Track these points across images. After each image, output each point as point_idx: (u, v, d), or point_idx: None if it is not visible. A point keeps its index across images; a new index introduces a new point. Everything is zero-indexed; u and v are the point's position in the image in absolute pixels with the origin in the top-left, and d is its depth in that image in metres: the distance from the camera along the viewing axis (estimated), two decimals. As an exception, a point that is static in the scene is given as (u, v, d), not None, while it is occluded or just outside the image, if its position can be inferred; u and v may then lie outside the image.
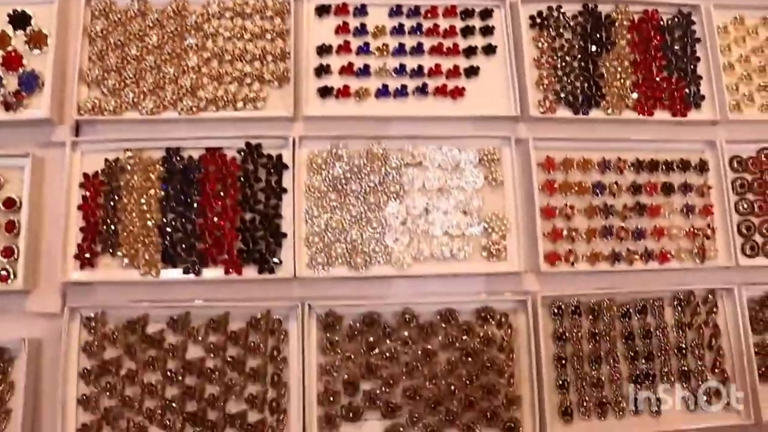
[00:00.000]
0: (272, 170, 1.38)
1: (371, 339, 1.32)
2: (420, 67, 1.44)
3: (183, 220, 1.36)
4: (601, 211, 1.41)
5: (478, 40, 1.48)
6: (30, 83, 1.38)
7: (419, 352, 1.33)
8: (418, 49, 1.46)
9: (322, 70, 1.43)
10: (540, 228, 1.37)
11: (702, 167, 1.47)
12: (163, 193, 1.37)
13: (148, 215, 1.36)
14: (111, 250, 1.35)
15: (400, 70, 1.44)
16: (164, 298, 1.34)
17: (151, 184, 1.37)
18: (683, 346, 1.39)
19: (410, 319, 1.33)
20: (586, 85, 1.46)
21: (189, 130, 1.40)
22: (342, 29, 1.46)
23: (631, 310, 1.39)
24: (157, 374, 1.32)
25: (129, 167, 1.38)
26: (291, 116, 1.39)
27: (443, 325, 1.34)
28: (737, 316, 1.40)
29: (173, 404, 1.30)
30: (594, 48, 1.49)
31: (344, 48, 1.45)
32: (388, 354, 1.32)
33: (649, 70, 1.49)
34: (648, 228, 1.42)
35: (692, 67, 1.51)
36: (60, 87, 1.39)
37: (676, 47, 1.51)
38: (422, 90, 1.43)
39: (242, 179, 1.37)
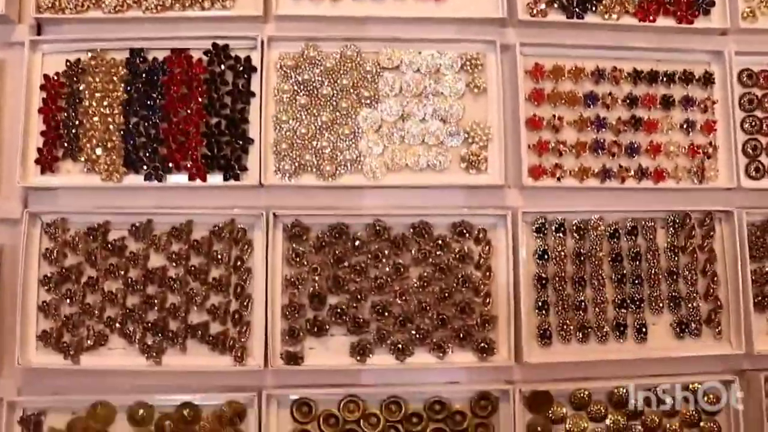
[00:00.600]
0: (240, 73, 1.29)
1: (340, 251, 1.25)
2: (400, -35, 1.33)
3: (146, 124, 1.29)
4: (593, 124, 1.30)
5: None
6: (-15, -24, 1.30)
7: (390, 267, 1.25)
8: (398, -54, 1.34)
9: (295, -33, 1.33)
10: (525, 140, 1.27)
11: (707, 80, 1.34)
12: (126, 96, 1.29)
13: (110, 119, 1.29)
14: (72, 155, 1.29)
15: (379, -32, 1.33)
16: (126, 205, 1.28)
17: (114, 86, 1.30)
18: (675, 270, 1.30)
19: (381, 232, 1.26)
20: (583, -13, 1.33)
21: (154, 29, 1.31)
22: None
23: (620, 231, 1.30)
24: (118, 282, 1.27)
25: (91, 69, 1.30)
26: (261, 16, 1.29)
27: (416, 239, 1.26)
28: (735, 241, 1.30)
29: (134, 313, 1.25)
30: (594, -53, 1.36)
31: (320, -57, 1.34)
32: (357, 267, 1.25)
33: (654, -28, 1.36)
34: (643, 144, 1.31)
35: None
36: (18, -18, 1.31)
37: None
38: (402, -11, 1.32)
39: (208, 82, 1.29)
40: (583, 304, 1.27)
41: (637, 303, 1.28)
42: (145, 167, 1.27)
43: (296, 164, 1.27)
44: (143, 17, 1.30)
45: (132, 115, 1.29)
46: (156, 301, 1.26)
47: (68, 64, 1.30)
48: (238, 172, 1.27)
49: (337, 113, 1.28)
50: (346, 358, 1.25)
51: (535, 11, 1.31)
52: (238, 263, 1.27)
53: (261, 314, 1.24)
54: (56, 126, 1.29)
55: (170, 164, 1.27)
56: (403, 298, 1.25)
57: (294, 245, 1.26)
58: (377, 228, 1.25)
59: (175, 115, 1.29)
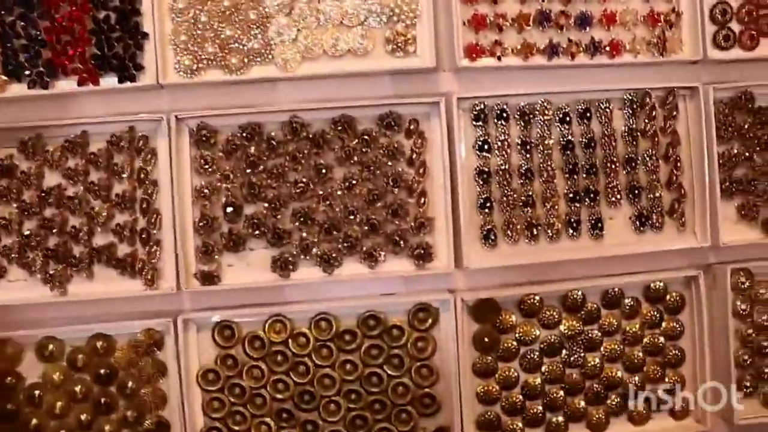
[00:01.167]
0: (126, -45, 1.11)
1: (253, 155, 1.11)
2: None
3: (24, 23, 1.11)
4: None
5: None
6: None
7: (311, 169, 1.11)
8: None
9: None
10: (458, 14, 1.10)
11: (668, -69, 1.17)
12: (-3, -8, 1.12)
13: (-18, 20, 1.12)
14: (-56, 67, 1.12)
15: None
16: (11, 119, 1.12)
17: (-16, -19, 1.12)
18: (634, 157, 1.15)
19: (299, 129, 1.10)
20: None
21: None
22: None
23: (571, 115, 1.14)
24: (11, 207, 1.12)
25: (-44, -37, 1.12)
26: None
27: (339, 136, 1.11)
28: (701, 121, 1.15)
29: (32, 239, 1.12)
30: None
31: None
32: (274, 172, 1.11)
33: None
34: (596, 13, 1.14)
35: None
36: None
37: None
38: None
39: (91, -31, 1.11)
40: (531, 199, 1.13)
41: (592, 195, 1.15)
42: (27, 73, 1.11)
43: (198, 59, 1.10)
44: None
45: (6, 15, 1.12)
46: (55, 224, 1.12)
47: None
48: (134, 72, 1.11)
49: (241, -5, 1.11)
50: (268, 274, 1.12)
51: None
52: (142, 176, 1.13)
53: (170, 231, 1.11)
54: None
55: (56, 68, 1.11)
56: (328, 203, 1.11)
57: (202, 151, 1.11)
58: (294, 125, 1.10)
59: (56, 11, 1.11)
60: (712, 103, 1.15)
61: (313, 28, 1.11)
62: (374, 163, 1.11)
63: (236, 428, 1.14)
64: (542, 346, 1.16)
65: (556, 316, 1.16)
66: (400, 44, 1.11)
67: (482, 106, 1.12)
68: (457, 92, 1.12)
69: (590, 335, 1.17)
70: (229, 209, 1.11)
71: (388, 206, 1.12)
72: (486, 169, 1.13)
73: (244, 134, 1.11)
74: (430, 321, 1.13)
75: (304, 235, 1.12)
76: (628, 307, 1.18)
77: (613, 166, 1.15)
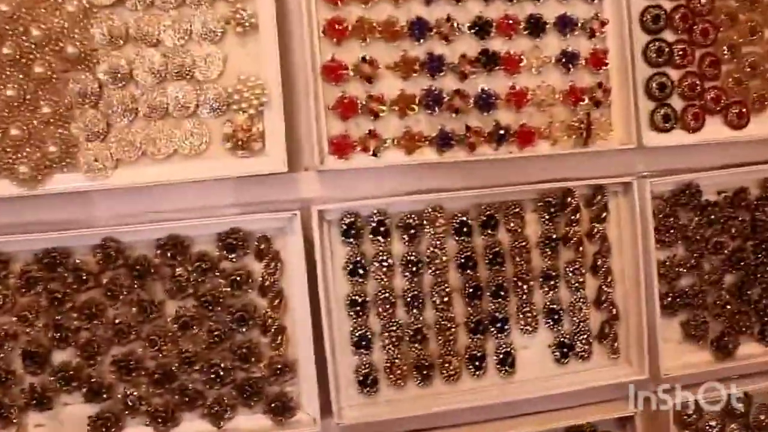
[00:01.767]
0: None
1: (59, 288, 0.85)
2: None
3: None
4: (424, 66, 0.87)
5: None
6: None
7: (133, 304, 0.86)
8: None
9: None
10: (320, 97, 0.85)
11: (593, -11, 0.91)
12: None
13: None
14: None
15: None
16: None
17: None
18: (553, 272, 0.92)
19: (115, 255, 0.85)
20: None
21: None
22: None
23: (470, 223, 0.90)
24: None
25: None
26: None
27: (168, 261, 0.86)
28: (636, 222, 0.91)
29: None
30: None
31: None
32: (86, 309, 0.85)
33: None
34: (501, 90, 0.89)
35: None
36: None
37: None
38: None
39: None
40: (420, 332, 0.89)
41: (501, 323, 0.91)
42: None
43: (-18, 165, 0.84)
44: None
45: None
46: None
47: None
48: None
49: (30, 83, 0.84)
50: (87, 437, 0.88)
51: None
52: None
53: (-43, 386, 0.86)
54: None
55: None
56: (157, 347, 0.86)
57: (-8, 284, 0.86)
58: (108, 250, 0.85)
59: None
60: (650, 199, 0.91)
61: (127, 122, 0.85)
62: (215, 295, 0.86)
63: None
64: None
65: (458, 473, 0.93)
66: (242, 141, 0.85)
67: (353, 218, 0.87)
68: (320, 200, 0.87)
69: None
70: (31, 358, 0.86)
71: (236, 348, 0.87)
72: (361, 298, 0.88)
73: (45, 262, 0.85)
74: (293, 490, 0.90)
75: (130, 387, 0.87)
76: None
77: (526, 285, 0.91)
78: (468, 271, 0.90)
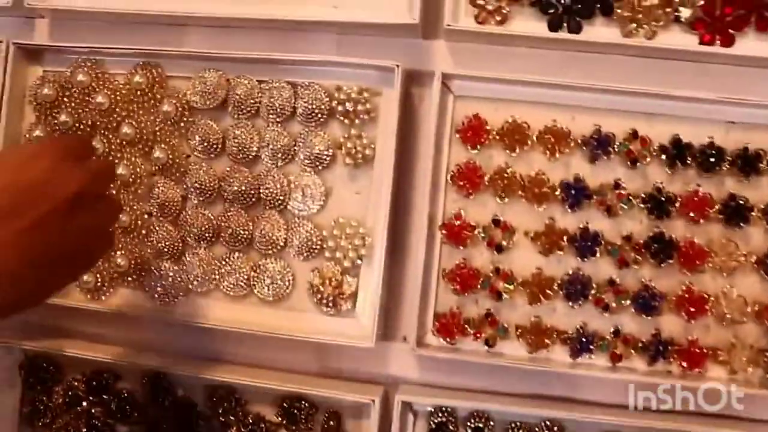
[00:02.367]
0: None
1: (99, 414, 0.75)
2: None
3: None
4: (572, 242, 0.67)
5: None
6: None
7: (174, 453, 0.74)
8: None
9: None
10: (437, 261, 0.68)
11: (833, 174, 0.66)
12: None
13: None
14: None
15: None
16: None
17: None
18: None
19: (165, 392, 0.73)
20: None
21: None
22: None
23: (596, 451, 0.69)
24: None
25: None
26: None
27: (221, 416, 0.73)
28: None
29: None
30: None
31: None
32: (125, 444, 0.75)
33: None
34: (672, 291, 0.66)
35: None
36: None
37: None
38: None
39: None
40: None
41: None
42: None
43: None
44: None
45: None
46: None
47: None
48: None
49: (113, 184, 0.74)
50: None
51: (484, 13, 0.68)
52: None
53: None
54: None
55: None
56: None
57: None
58: (159, 383, 0.73)
59: None
60: None
61: (207, 247, 0.73)
62: None
63: None
64: None
65: None
66: (329, 297, 0.70)
67: (446, 416, 0.68)
68: (408, 383, 0.70)
69: None
70: (61, 480, 0.77)
71: None
72: None
73: (92, 384, 0.75)
74: None
75: None
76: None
77: None
78: None
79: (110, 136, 0.74)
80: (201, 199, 0.72)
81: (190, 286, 0.72)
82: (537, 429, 0.68)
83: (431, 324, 0.69)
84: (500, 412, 0.68)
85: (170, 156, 0.72)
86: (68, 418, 0.76)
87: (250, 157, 0.71)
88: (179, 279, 0.72)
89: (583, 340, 0.67)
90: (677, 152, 0.66)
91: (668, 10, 0.66)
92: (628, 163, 0.67)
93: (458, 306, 0.69)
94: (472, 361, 0.68)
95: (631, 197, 0.67)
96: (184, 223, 0.72)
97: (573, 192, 0.67)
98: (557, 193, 0.68)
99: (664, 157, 0.67)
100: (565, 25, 0.67)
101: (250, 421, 0.72)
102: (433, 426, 0.69)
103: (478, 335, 0.68)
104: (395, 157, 0.67)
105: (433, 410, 0.69)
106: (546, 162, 0.69)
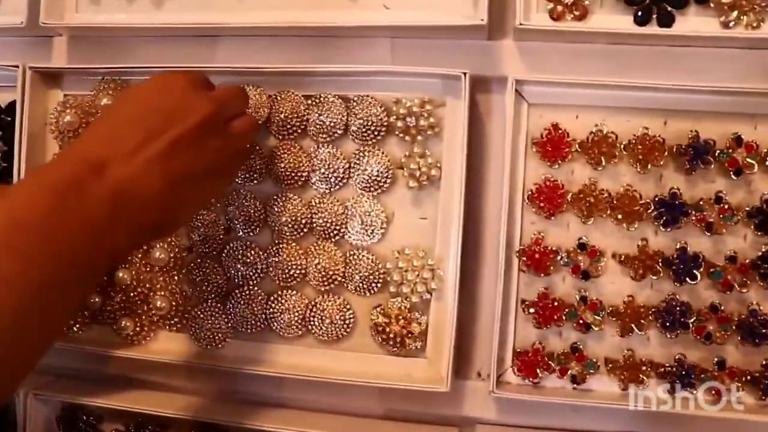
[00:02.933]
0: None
1: (148, 465, 0.69)
2: None
3: None
4: (669, 265, 0.60)
5: None
6: None
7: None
8: None
9: None
10: (515, 292, 0.61)
11: None
12: None
13: None
14: None
15: None
16: None
17: None
18: None
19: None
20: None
21: None
22: None
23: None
24: None
25: None
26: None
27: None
28: None
29: None
30: None
31: None
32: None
33: None
34: (781, 322, 0.60)
35: None
36: None
37: None
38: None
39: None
40: None
41: None
42: None
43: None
44: None
45: None
46: None
47: None
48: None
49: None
50: None
51: (560, 8, 0.59)
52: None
53: None
54: None
55: None
56: None
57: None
58: (210, 436, 0.67)
59: None
60: None
61: (256, 282, 0.66)
62: None
63: None
64: None
65: None
66: (397, 337, 0.63)
67: (532, 463, 0.63)
68: (488, 423, 0.63)
69: None
70: None
71: None
72: None
73: (136, 433, 0.69)
74: None
75: None
76: None
77: None
78: None
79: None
80: (246, 230, 0.65)
81: (239, 328, 0.65)
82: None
83: (510, 361, 0.62)
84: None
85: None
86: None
87: (300, 182, 0.64)
88: (225, 320, 0.65)
89: (683, 373, 0.60)
90: (788, 159, 0.59)
91: (776, -6, 0.57)
92: (731, 173, 0.59)
93: (540, 340, 0.62)
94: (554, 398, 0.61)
95: (735, 212, 0.59)
96: (228, 258, 0.65)
97: (668, 208, 0.60)
98: (650, 210, 0.60)
99: (772, 164, 0.59)
100: (654, 17, 0.59)
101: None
102: (519, 478, 0.63)
103: (564, 372, 0.61)
104: (465, 176, 0.59)
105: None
106: (636, 175, 0.61)
